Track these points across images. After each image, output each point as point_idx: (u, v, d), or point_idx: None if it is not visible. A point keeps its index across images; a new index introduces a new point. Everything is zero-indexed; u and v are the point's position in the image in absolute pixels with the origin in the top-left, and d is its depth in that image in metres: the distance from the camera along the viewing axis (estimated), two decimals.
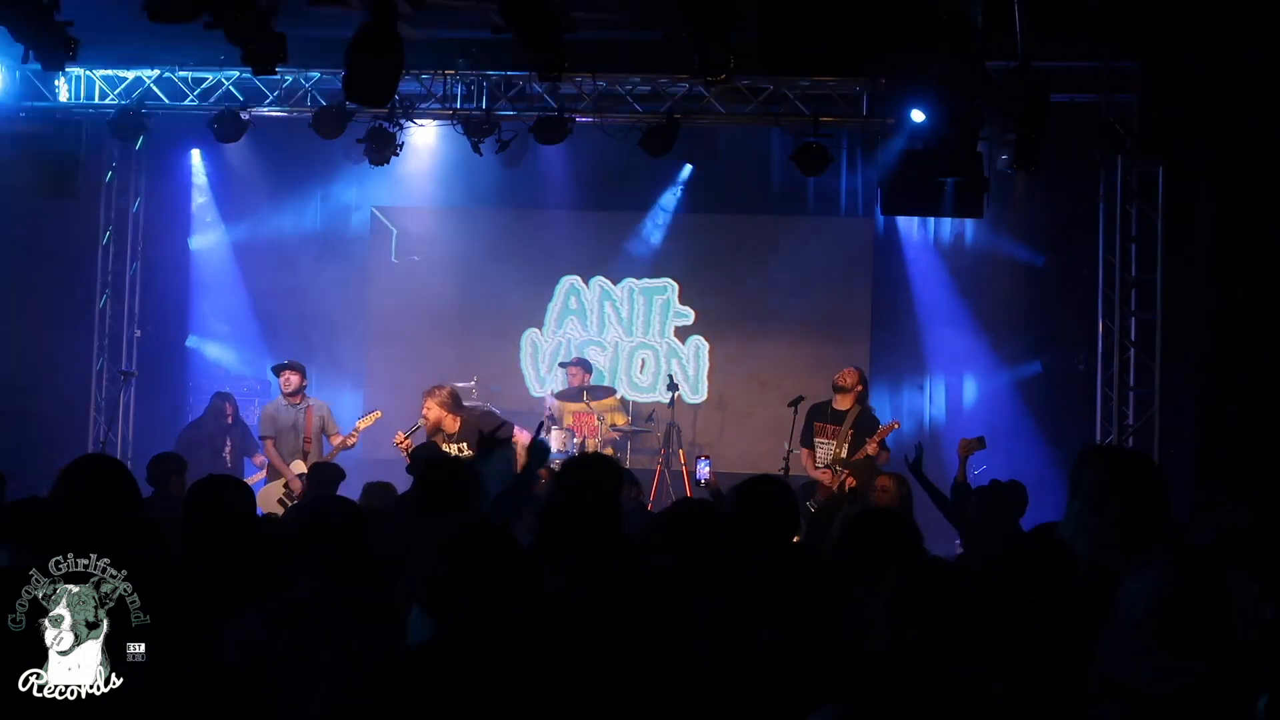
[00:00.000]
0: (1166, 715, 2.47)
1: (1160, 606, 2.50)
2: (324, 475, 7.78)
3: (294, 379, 10.13)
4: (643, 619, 3.47)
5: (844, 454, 9.09)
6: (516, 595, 2.86)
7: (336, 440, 9.96)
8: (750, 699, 3.34)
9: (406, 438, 8.93)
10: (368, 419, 10.04)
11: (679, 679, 3.36)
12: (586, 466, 4.52)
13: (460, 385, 11.24)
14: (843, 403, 9.29)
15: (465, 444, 9.08)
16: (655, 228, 12.53)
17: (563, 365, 11.83)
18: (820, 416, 9.35)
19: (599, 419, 11.17)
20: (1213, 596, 2.56)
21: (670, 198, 12.41)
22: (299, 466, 9.85)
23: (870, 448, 8.93)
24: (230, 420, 11.01)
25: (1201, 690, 2.49)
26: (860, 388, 9.36)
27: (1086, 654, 2.66)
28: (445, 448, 9.09)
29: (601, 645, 3.31)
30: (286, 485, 9.78)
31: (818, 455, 9.26)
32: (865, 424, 9.13)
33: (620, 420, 11.54)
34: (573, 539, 3.91)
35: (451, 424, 9.04)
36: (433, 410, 9.04)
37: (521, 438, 9.35)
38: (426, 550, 2.82)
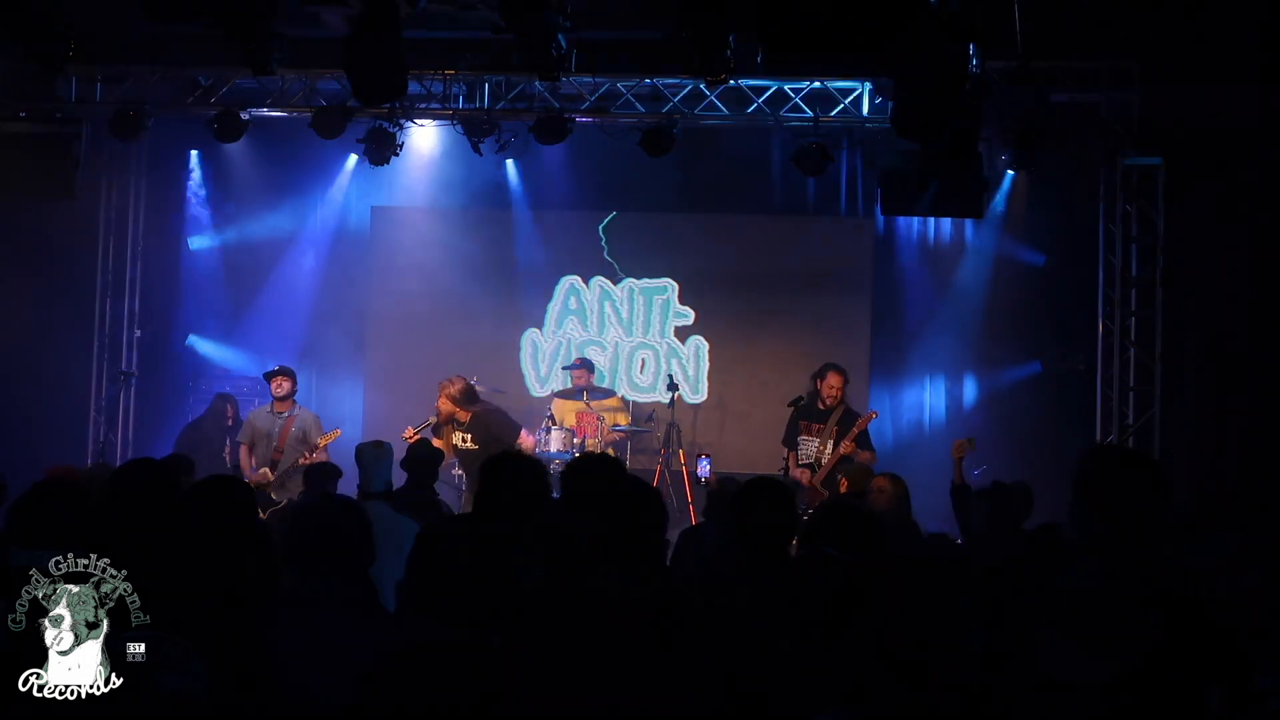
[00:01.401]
0: (1086, 709, 2.46)
1: (1073, 604, 2.49)
2: (320, 474, 7.76)
3: (285, 384, 9.96)
4: (645, 619, 3.46)
5: (828, 451, 9.21)
6: (515, 596, 2.86)
7: (323, 440, 9.80)
8: (752, 699, 3.34)
9: (416, 433, 8.87)
10: (328, 436, 9.77)
11: (679, 680, 3.35)
12: (590, 466, 4.54)
13: None
14: (828, 402, 9.42)
15: (472, 435, 9.11)
16: (656, 228, 12.53)
17: (566, 368, 11.84)
18: (807, 416, 9.48)
19: (600, 419, 11.18)
20: (1128, 596, 2.54)
21: (670, 198, 12.39)
22: (264, 474, 9.69)
23: (845, 447, 9.07)
24: (230, 422, 10.98)
25: (1117, 686, 2.48)
26: (843, 385, 9.48)
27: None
28: (452, 435, 9.12)
29: (602, 646, 3.31)
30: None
31: (801, 453, 9.41)
32: (847, 421, 9.26)
33: (623, 421, 11.54)
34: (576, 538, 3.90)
35: (463, 416, 9.11)
36: (445, 405, 9.10)
37: (527, 441, 9.37)
38: (418, 551, 2.82)
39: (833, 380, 9.48)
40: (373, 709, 2.53)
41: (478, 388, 11.34)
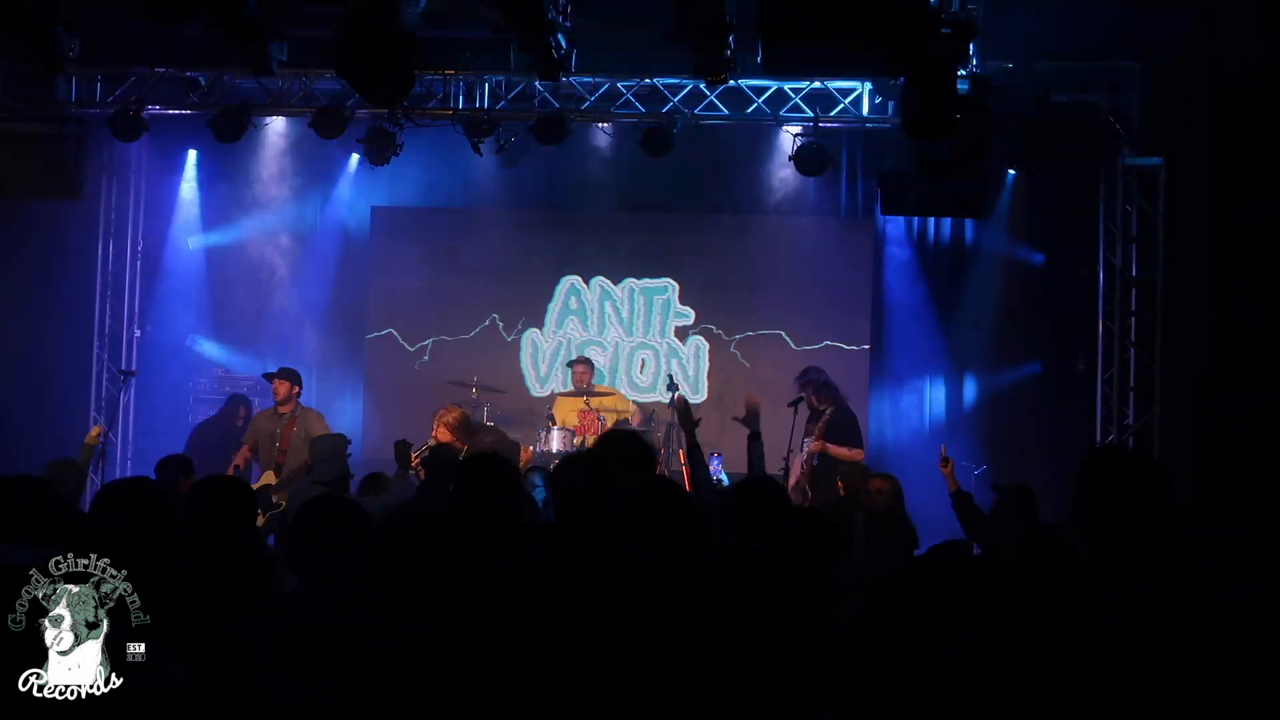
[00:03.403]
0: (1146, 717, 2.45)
1: (1139, 613, 2.48)
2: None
3: (282, 387, 9.78)
4: (641, 617, 3.46)
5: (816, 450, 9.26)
6: (522, 595, 2.86)
7: None
8: (749, 697, 3.34)
9: (416, 457, 8.65)
10: None
11: (673, 678, 3.35)
12: (581, 463, 4.59)
13: (460, 385, 11.25)
14: (819, 402, 9.42)
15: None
16: (656, 228, 12.52)
17: (570, 364, 11.81)
18: (810, 419, 9.49)
19: (600, 419, 11.17)
20: (1191, 602, 2.53)
21: (671, 198, 12.39)
22: (269, 477, 9.53)
23: (814, 445, 9.11)
24: (241, 424, 10.91)
25: (1179, 691, 2.48)
26: (817, 386, 9.49)
27: (1071, 655, 2.65)
28: None
29: (603, 643, 3.30)
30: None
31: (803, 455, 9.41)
32: (834, 420, 9.25)
33: (631, 408, 11.47)
34: (567, 535, 3.91)
35: (461, 447, 8.88)
36: (441, 433, 8.83)
37: (525, 455, 9.35)
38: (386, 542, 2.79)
39: (806, 388, 9.54)
40: (370, 705, 2.53)
41: (477, 388, 11.39)
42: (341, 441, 6.50)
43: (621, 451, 4.52)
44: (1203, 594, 2.51)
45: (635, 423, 11.49)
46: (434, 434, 8.87)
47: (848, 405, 9.72)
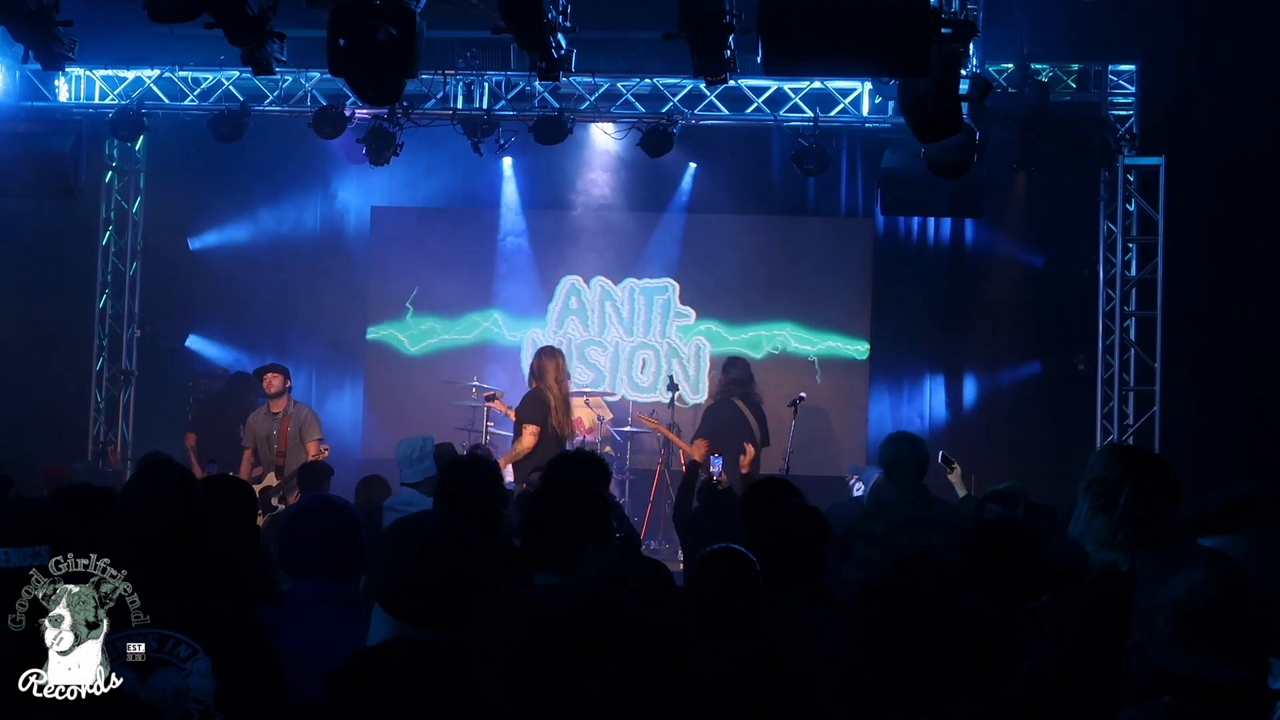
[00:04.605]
0: (1217, 702, 2.42)
1: (1205, 608, 2.44)
2: (313, 474, 7.77)
3: (275, 381, 9.76)
4: (625, 620, 3.44)
5: None
6: (492, 596, 2.85)
7: (313, 448, 9.46)
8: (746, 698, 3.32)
9: (495, 394, 9.58)
10: (317, 444, 9.42)
11: (662, 682, 3.33)
12: (574, 463, 4.61)
13: (460, 385, 11.26)
14: None
15: (520, 403, 9.09)
16: (656, 228, 12.53)
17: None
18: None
19: (600, 418, 11.18)
20: (1250, 604, 2.50)
21: (671, 198, 12.40)
22: (270, 479, 9.51)
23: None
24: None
25: (1241, 690, 2.45)
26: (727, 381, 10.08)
27: (1117, 651, 2.61)
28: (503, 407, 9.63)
29: (578, 646, 3.28)
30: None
31: None
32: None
33: (606, 414, 11.51)
34: (557, 537, 3.89)
35: (532, 384, 8.98)
36: (552, 386, 8.84)
37: (527, 432, 9.35)
38: (389, 548, 2.78)
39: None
40: (333, 709, 2.51)
41: (477, 388, 11.39)
42: (427, 444, 6.40)
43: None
44: (1245, 585, 2.48)
45: (607, 417, 11.51)
46: (533, 364, 9.03)
47: (730, 400, 10.08)
